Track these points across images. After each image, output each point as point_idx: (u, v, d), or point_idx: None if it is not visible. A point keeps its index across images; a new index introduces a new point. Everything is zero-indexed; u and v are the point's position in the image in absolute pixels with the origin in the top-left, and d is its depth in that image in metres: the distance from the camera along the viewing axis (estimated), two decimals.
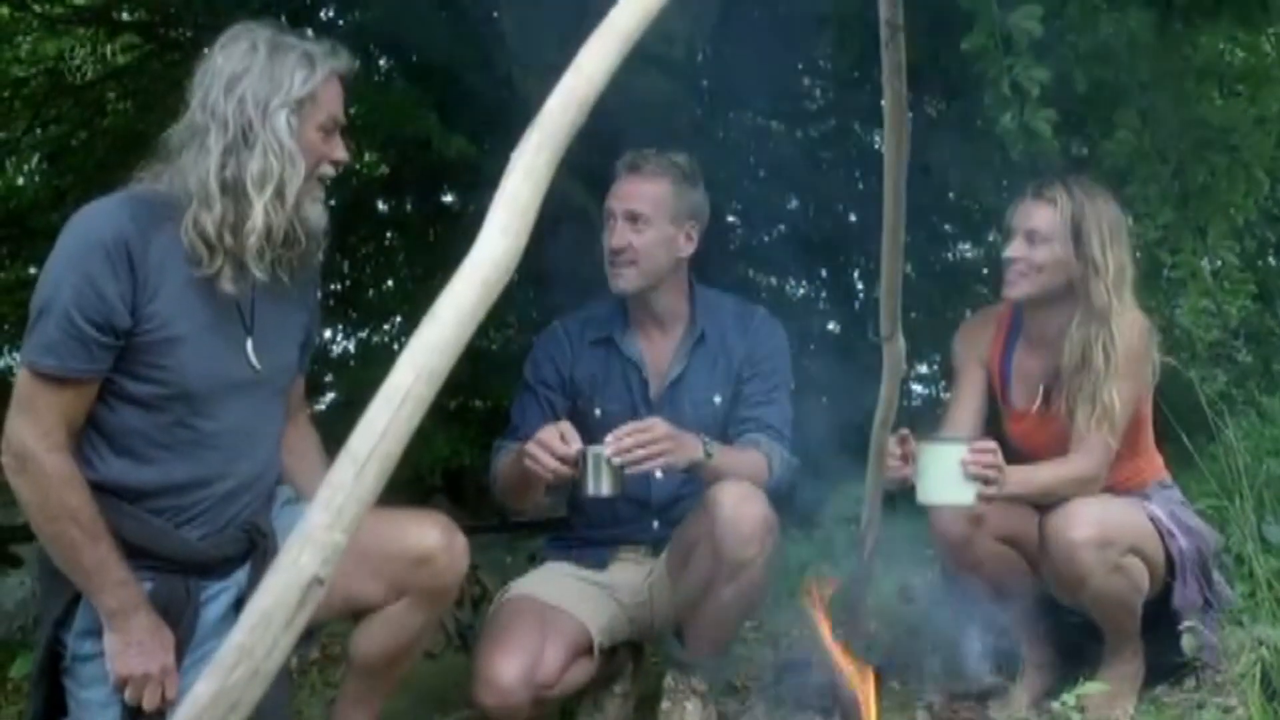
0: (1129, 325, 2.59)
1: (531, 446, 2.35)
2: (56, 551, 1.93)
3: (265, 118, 1.94)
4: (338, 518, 0.84)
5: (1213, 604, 2.62)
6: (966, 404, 2.76)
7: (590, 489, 2.33)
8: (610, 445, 2.32)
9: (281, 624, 0.83)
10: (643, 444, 2.33)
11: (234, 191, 1.94)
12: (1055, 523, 2.47)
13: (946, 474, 2.36)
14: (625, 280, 2.61)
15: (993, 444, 2.42)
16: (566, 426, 2.38)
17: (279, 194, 1.95)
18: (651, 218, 2.58)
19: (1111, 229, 2.60)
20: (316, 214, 2.04)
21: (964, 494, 2.36)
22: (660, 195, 2.60)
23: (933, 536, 2.68)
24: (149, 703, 1.92)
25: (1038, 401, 2.70)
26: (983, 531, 2.59)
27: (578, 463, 2.32)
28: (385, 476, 0.87)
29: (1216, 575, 2.67)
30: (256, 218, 1.93)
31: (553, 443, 2.33)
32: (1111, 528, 2.47)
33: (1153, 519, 2.58)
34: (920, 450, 2.41)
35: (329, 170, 2.06)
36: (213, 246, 1.94)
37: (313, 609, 0.85)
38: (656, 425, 2.37)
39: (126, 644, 1.92)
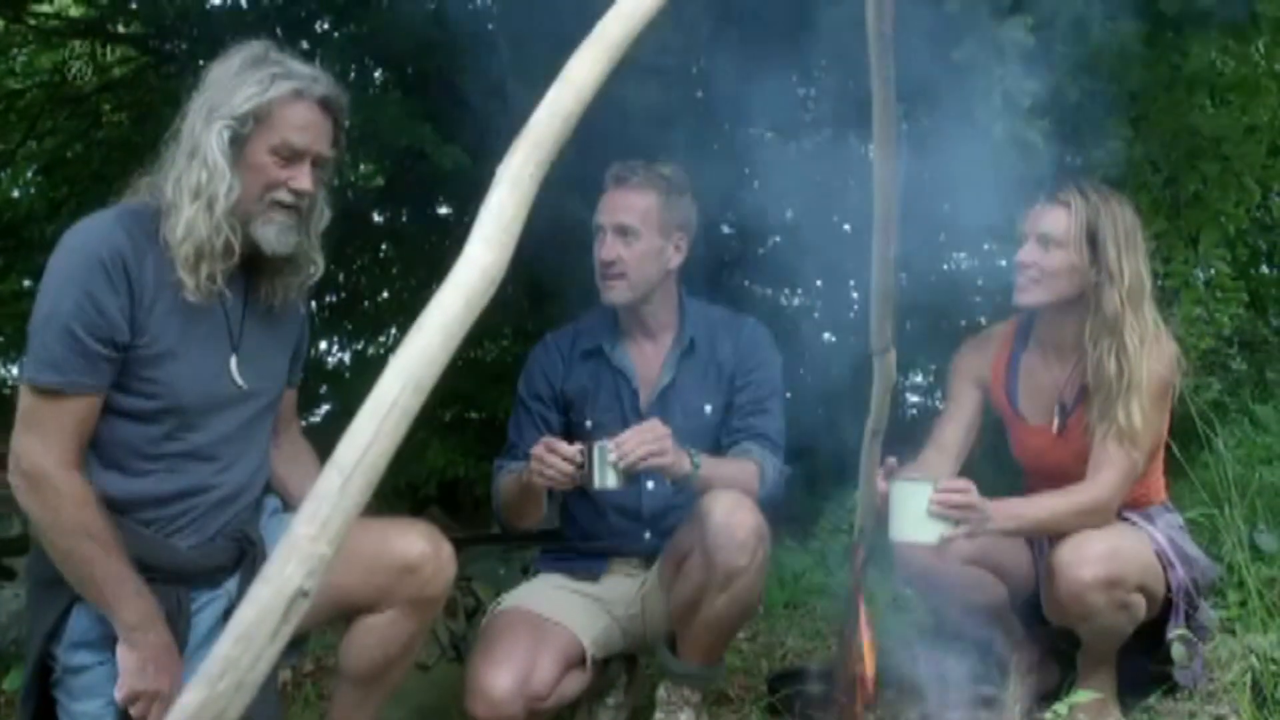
0: (1160, 353, 2.51)
1: (538, 452, 2.37)
2: (72, 568, 1.91)
3: (206, 127, 1.95)
4: (323, 529, 0.84)
5: (1197, 630, 2.59)
6: (954, 424, 2.70)
7: (597, 482, 2.36)
8: (612, 449, 2.34)
9: (266, 635, 0.83)
10: (642, 441, 2.34)
11: (185, 197, 1.94)
12: (1063, 558, 2.42)
13: (914, 513, 2.33)
14: (616, 293, 2.62)
15: (963, 483, 2.37)
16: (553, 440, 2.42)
17: (209, 205, 1.94)
18: (640, 230, 2.60)
19: (1127, 235, 2.51)
20: (270, 237, 2.00)
21: (929, 533, 2.34)
22: (648, 207, 2.61)
23: (897, 565, 2.65)
24: (153, 719, 1.92)
25: (1055, 420, 2.64)
26: (947, 559, 2.52)
27: (582, 463, 2.35)
28: (371, 488, 0.87)
29: (1202, 603, 2.64)
30: (181, 225, 1.93)
31: (556, 445, 2.36)
32: (1121, 566, 2.42)
33: (1158, 551, 2.54)
34: (891, 488, 2.38)
35: (285, 197, 2.01)
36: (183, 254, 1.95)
37: (298, 621, 0.85)
38: (656, 425, 2.41)
39: (143, 661, 1.90)
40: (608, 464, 2.35)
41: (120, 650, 1.91)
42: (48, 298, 1.92)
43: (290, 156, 2.00)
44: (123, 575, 1.90)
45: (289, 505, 2.25)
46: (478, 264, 0.93)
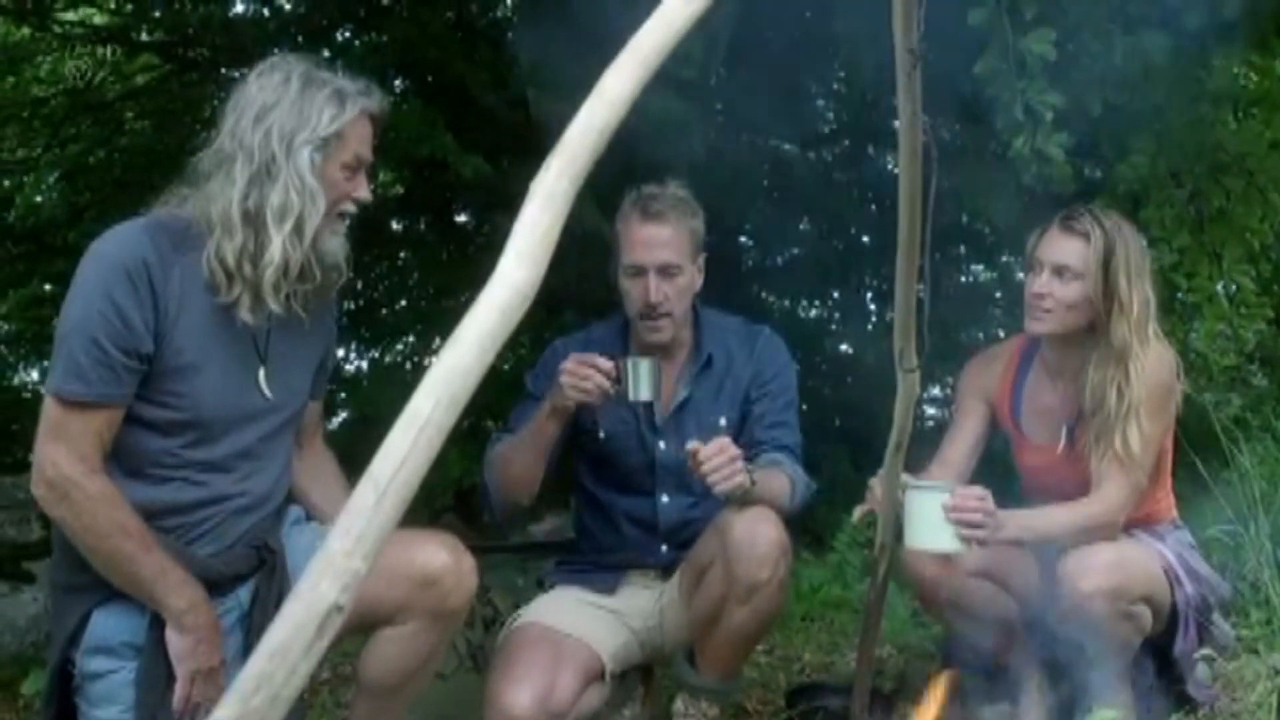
0: (1154, 360, 2.50)
1: (571, 367, 2.39)
2: (114, 568, 1.93)
3: (289, 152, 1.95)
4: (357, 544, 0.84)
5: (1215, 649, 2.57)
6: (961, 440, 2.71)
7: (631, 394, 2.43)
8: (702, 466, 2.33)
9: (301, 651, 0.83)
10: (726, 471, 2.33)
11: (255, 222, 1.95)
12: (1069, 568, 2.43)
13: (930, 520, 2.32)
14: (663, 333, 2.59)
15: (978, 490, 2.37)
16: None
17: (298, 229, 1.96)
18: (682, 264, 2.57)
19: (1137, 264, 2.51)
20: (335, 247, 2.04)
21: (947, 541, 2.33)
22: (682, 240, 2.58)
23: (906, 576, 2.64)
24: (203, 695, 1.93)
25: (1061, 441, 2.63)
26: (954, 570, 2.53)
27: (617, 378, 2.40)
28: (406, 503, 0.87)
29: (1217, 618, 2.62)
30: (274, 251, 1.95)
31: (592, 359, 2.39)
32: (1125, 577, 2.43)
33: (1166, 568, 2.53)
34: (906, 495, 2.36)
35: (350, 208, 2.07)
36: (231, 275, 1.96)
37: (332, 636, 0.85)
38: (729, 445, 2.38)
39: (195, 642, 1.93)
40: (641, 377, 2.42)
41: (172, 638, 1.93)
42: (74, 307, 1.93)
43: (355, 167, 2.05)
44: (164, 566, 1.92)
45: (311, 516, 2.25)
46: (511, 279, 0.93)
